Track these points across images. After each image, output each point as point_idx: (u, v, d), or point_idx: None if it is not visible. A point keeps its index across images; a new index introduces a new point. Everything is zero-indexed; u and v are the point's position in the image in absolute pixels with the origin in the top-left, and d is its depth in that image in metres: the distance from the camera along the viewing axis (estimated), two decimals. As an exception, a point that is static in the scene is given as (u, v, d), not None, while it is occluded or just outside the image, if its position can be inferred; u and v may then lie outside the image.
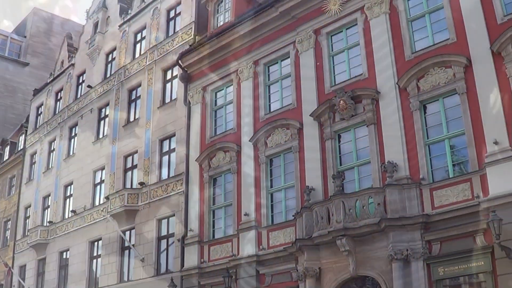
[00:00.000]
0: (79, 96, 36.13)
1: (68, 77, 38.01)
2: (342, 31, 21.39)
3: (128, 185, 28.77)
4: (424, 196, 17.13)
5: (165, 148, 27.47)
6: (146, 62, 30.24)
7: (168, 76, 28.83)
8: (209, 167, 24.21)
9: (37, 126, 40.49)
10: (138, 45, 31.96)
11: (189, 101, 26.26)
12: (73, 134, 35.67)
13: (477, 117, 16.59)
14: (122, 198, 27.35)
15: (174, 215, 25.35)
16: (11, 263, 37.22)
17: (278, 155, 21.98)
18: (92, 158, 32.26)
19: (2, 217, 41.83)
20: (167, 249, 25.64)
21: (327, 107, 20.22)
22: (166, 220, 25.97)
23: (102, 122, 33.10)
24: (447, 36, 18.12)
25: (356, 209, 17.62)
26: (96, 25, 36.31)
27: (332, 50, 21.50)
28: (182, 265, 23.74)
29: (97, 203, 31.03)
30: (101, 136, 32.52)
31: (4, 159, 44.83)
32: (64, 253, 32.60)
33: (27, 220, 38.08)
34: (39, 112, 41.24)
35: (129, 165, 29.43)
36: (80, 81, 36.72)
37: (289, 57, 22.82)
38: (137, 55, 31.60)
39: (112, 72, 33.07)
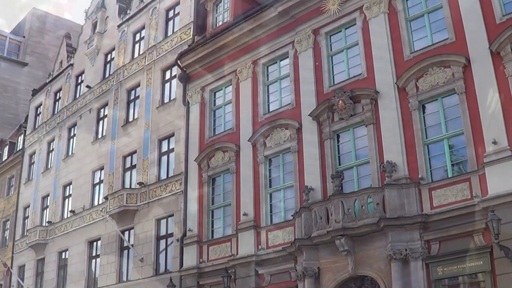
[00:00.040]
0: (78, 96, 36.10)
1: (67, 77, 37.99)
2: (341, 31, 21.40)
3: (127, 185, 28.76)
4: (423, 195, 17.14)
5: (164, 148, 27.46)
6: (145, 62, 30.22)
7: (167, 76, 28.81)
8: (208, 167, 24.21)
9: (36, 126, 40.46)
10: (137, 45, 31.93)
11: (188, 101, 26.25)
12: (72, 134, 35.64)
13: (476, 117, 16.60)
14: (121, 198, 27.33)
15: (173, 215, 25.35)
16: (10, 263, 37.18)
17: (277, 155, 21.98)
18: (91, 158, 32.24)
19: (1, 217, 41.79)
20: (166, 249, 25.62)
21: (326, 107, 20.22)
22: (165, 220, 25.96)
23: (101, 122, 33.08)
24: (446, 36, 18.13)
25: (355, 209, 17.63)
26: (94, 25, 36.30)
27: (331, 50, 21.51)
28: (181, 265, 23.74)
29: (96, 203, 31.02)
30: (100, 136, 32.50)
31: (3, 159, 44.75)
32: (63, 253, 32.58)
33: (26, 220, 38.05)
34: (38, 112, 41.19)
35: (128, 165, 29.43)
36: (79, 81, 36.69)
37: (288, 57, 22.82)
38: (135, 55, 31.57)
39: (111, 72, 33.05)
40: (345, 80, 20.43)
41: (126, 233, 27.55)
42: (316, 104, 20.77)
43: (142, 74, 30.12)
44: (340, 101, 19.63)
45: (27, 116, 43.00)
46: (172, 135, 26.88)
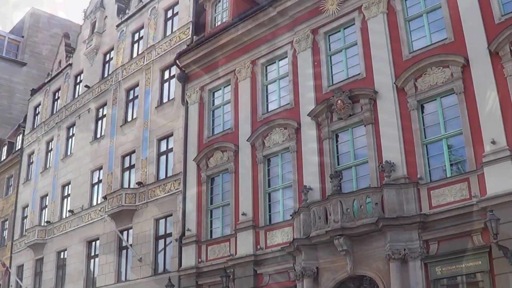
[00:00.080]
0: (76, 96, 36.08)
1: (65, 77, 37.97)
2: (339, 30, 21.39)
3: (125, 185, 28.74)
4: (421, 195, 17.13)
5: (163, 148, 27.45)
6: (143, 62, 30.22)
7: (166, 76, 28.80)
8: (207, 167, 24.20)
9: (35, 126, 40.43)
10: (135, 45, 31.92)
11: (186, 101, 26.25)
12: (70, 134, 35.61)
13: (475, 117, 16.60)
14: (119, 198, 27.31)
15: (171, 215, 25.34)
16: (9, 263, 37.15)
17: (276, 155, 21.98)
18: (90, 158, 32.23)
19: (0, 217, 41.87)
20: (164, 249, 25.60)
21: (325, 106, 20.22)
22: (164, 220, 25.94)
23: (99, 122, 33.06)
24: (444, 36, 18.13)
25: (354, 208, 17.62)
26: (93, 25, 36.27)
27: (330, 50, 21.50)
28: (180, 265, 23.74)
29: (94, 203, 31.02)
30: (98, 136, 32.49)
31: (2, 159, 44.74)
32: (62, 253, 32.55)
33: (25, 220, 37.99)
34: (37, 112, 41.17)
35: (126, 165, 29.41)
36: (78, 81, 36.66)
37: (286, 56, 22.82)
38: (134, 55, 31.56)
39: (110, 72, 33.05)
40: (344, 80, 20.43)
41: (125, 233, 27.56)
42: (314, 104, 20.76)
43: (141, 74, 30.11)
44: (339, 101, 19.63)
45: (26, 116, 42.96)
46: (171, 135, 26.88)
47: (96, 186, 31.48)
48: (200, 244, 23.35)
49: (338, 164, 19.89)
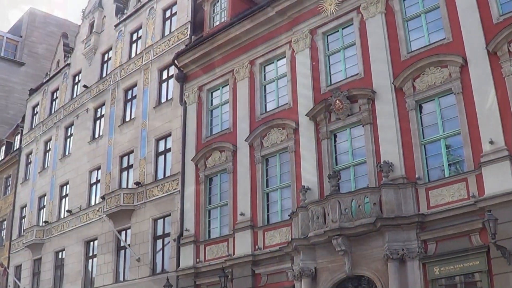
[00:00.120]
0: (75, 96, 36.05)
1: (64, 77, 37.94)
2: (338, 31, 21.39)
3: (124, 185, 28.73)
4: (419, 195, 17.14)
5: (161, 148, 27.43)
6: (142, 62, 30.20)
7: (164, 76, 28.78)
8: (205, 167, 24.20)
9: (33, 126, 40.40)
10: (134, 45, 31.92)
11: (185, 101, 26.23)
12: (69, 134, 35.58)
13: (473, 117, 16.61)
14: (117, 198, 27.30)
15: (169, 215, 25.32)
16: (7, 263, 37.14)
17: (274, 155, 21.97)
18: (88, 158, 32.21)
19: (-3, 217, 41.82)
20: (162, 249, 25.59)
21: (323, 106, 20.21)
22: (162, 220, 25.92)
23: (98, 122, 33.04)
24: (443, 36, 18.14)
25: (352, 208, 17.61)
26: (92, 25, 36.25)
27: (328, 50, 21.50)
28: (178, 265, 23.73)
29: (92, 203, 30.99)
30: (97, 136, 32.47)
31: (0, 159, 44.70)
32: (60, 253, 32.52)
33: (23, 220, 37.95)
34: (35, 112, 41.14)
35: (124, 165, 29.38)
36: (76, 80, 36.63)
37: (285, 57, 22.82)
38: (133, 54, 31.55)
39: (108, 72, 33.03)
40: (342, 80, 20.43)
41: (123, 233, 27.53)
42: (313, 104, 20.76)
43: (139, 73, 30.10)
44: (337, 101, 19.63)
45: (24, 115, 42.94)
46: (169, 134, 26.86)
47: (94, 186, 31.45)
48: (198, 244, 23.34)
49: (336, 164, 19.90)
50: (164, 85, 28.61)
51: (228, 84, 24.73)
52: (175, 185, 25.33)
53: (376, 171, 18.24)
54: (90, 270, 29.68)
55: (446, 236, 16.28)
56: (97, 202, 30.43)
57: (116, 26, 33.40)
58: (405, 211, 16.98)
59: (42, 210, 35.81)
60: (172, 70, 27.80)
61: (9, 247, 38.08)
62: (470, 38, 17.23)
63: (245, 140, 22.72)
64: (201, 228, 23.54)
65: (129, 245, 26.64)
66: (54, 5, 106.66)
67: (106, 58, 34.12)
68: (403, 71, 18.43)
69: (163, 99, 28.22)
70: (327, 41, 21.66)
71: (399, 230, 16.82)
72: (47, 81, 40.20)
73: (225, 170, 23.38)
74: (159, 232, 25.96)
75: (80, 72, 36.21)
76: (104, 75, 33.53)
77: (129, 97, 30.88)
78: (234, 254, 21.68)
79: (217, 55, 25.29)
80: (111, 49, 33.58)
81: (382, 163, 17.82)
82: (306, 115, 20.77)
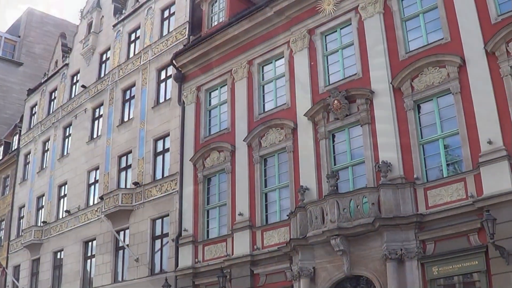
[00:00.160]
0: (73, 96, 36.03)
1: (62, 77, 37.92)
2: (336, 31, 21.39)
3: (122, 185, 28.71)
4: (418, 195, 17.15)
5: (159, 148, 27.42)
6: (140, 62, 30.19)
7: (162, 76, 28.77)
8: (203, 167, 24.19)
9: (31, 126, 40.37)
10: (132, 45, 31.89)
11: (183, 101, 26.22)
12: (67, 134, 35.57)
13: (471, 117, 16.61)
14: (116, 198, 27.29)
15: (168, 215, 25.31)
16: (5, 263, 37.11)
17: (272, 155, 21.97)
18: (86, 158, 32.19)
19: (-4, 217, 41.78)
20: (161, 249, 25.58)
21: (321, 107, 20.21)
22: (160, 220, 25.91)
23: (96, 122, 33.01)
24: (441, 36, 18.14)
25: (350, 208, 17.62)
26: (90, 25, 36.23)
27: (326, 50, 21.50)
28: (176, 265, 23.71)
29: (91, 203, 30.96)
30: (95, 136, 32.45)
31: (-2, 159, 44.74)
32: (58, 253, 32.50)
33: (21, 220, 37.94)
34: (33, 112, 41.11)
35: (123, 165, 29.37)
36: (74, 81, 36.61)
37: (283, 57, 22.81)
38: (131, 55, 31.53)
39: (106, 72, 33.00)
40: (340, 80, 20.43)
41: (121, 233, 27.51)
42: (311, 104, 20.76)
43: (138, 74, 30.08)
44: (336, 101, 19.63)
45: (22, 116, 42.93)
46: (167, 135, 26.85)
47: (92, 186, 31.43)
48: (197, 244, 23.33)
49: (335, 164, 19.90)
50: (162, 85, 28.60)
51: (226, 84, 24.72)
52: (174, 185, 25.32)
53: (375, 171, 18.24)
54: (89, 270, 29.66)
55: (444, 236, 16.29)
56: (95, 202, 30.41)
57: (114, 26, 33.39)
58: (404, 211, 16.98)
59: (40, 210, 35.80)
60: (170, 70, 27.79)
61: (7, 248, 38.07)
62: (468, 38, 17.24)
63: (243, 140, 22.71)
64: (199, 228, 23.53)
65: (127, 245, 26.62)
66: (51, 5, 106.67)
67: (104, 58, 34.10)
68: (401, 71, 18.44)
69: (161, 99, 28.21)
70: (325, 41, 21.65)
71: (398, 230, 16.83)
72: (45, 81, 40.19)
73: (224, 170, 23.37)
74: (158, 232, 25.95)
75: (78, 72, 36.18)
76: (102, 75, 33.51)
77: (127, 97, 30.86)
78: (232, 254, 21.68)
79: (215, 55, 25.28)
80: (109, 49, 33.56)
81: (380, 163, 17.83)
82: (304, 115, 20.77)
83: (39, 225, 34.63)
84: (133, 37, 32.00)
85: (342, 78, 20.46)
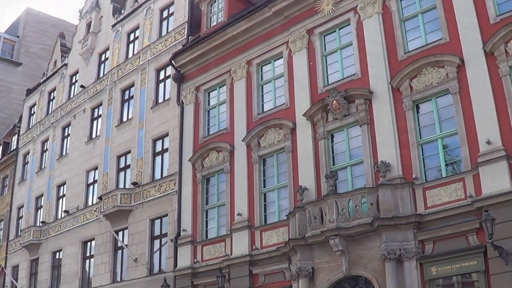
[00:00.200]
0: (72, 96, 36.03)
1: (61, 77, 37.91)
2: (335, 31, 21.39)
3: (121, 185, 28.71)
4: (417, 195, 17.14)
5: (158, 148, 27.41)
6: (139, 62, 30.18)
7: (161, 76, 28.77)
8: (202, 167, 24.18)
9: (30, 126, 40.37)
10: (131, 45, 31.89)
11: (182, 101, 26.22)
12: (66, 134, 35.57)
13: (470, 117, 16.62)
14: (115, 198, 27.29)
15: (167, 215, 25.30)
16: (4, 264, 37.11)
17: (271, 155, 21.97)
18: (85, 158, 32.18)
19: (-5, 217, 41.75)
20: (160, 249, 25.58)
21: (320, 107, 20.21)
22: (159, 220, 25.91)
23: (95, 122, 33.02)
24: (440, 36, 18.14)
25: (349, 209, 17.62)
26: (89, 25, 36.23)
27: (325, 50, 21.50)
28: (175, 265, 23.70)
29: (90, 203, 30.96)
30: (94, 136, 32.44)
31: (-3, 159, 44.71)
32: (57, 253, 32.51)
33: (20, 220, 37.95)
34: (32, 112, 41.10)
35: (122, 165, 29.36)
36: (73, 81, 36.62)
37: (282, 57, 22.81)
38: (130, 55, 31.53)
39: (105, 72, 33.00)
40: (339, 80, 20.43)
41: (120, 233, 27.50)
42: (310, 104, 20.76)
43: (136, 74, 30.07)
44: (334, 101, 19.63)
45: (21, 116, 42.90)
46: (166, 135, 26.84)
47: (91, 186, 31.44)
48: (196, 244, 23.33)
49: (334, 164, 19.90)
50: (161, 85, 28.60)
51: (225, 84, 24.72)
52: (172, 185, 25.32)
53: (373, 171, 18.25)
54: (87, 270, 29.66)
55: (443, 236, 16.29)
56: (94, 202, 30.41)
57: (113, 26, 33.39)
58: (402, 211, 16.98)
59: (39, 211, 35.79)
60: (169, 70, 27.79)
61: (6, 248, 38.06)
62: (467, 38, 17.25)
63: (242, 140, 22.71)
64: (198, 228, 23.52)
65: (126, 245, 26.61)
66: (50, 5, 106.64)
67: (103, 58, 34.10)
68: (400, 71, 18.44)
69: (160, 99, 28.20)
70: (324, 41, 21.66)
71: (397, 230, 16.83)
72: (44, 81, 40.17)
73: (222, 170, 23.37)
74: (156, 232, 25.95)
75: (77, 72, 36.17)
76: (101, 75, 33.50)
77: (126, 97, 30.84)
78: (231, 254, 21.67)
79: (214, 55, 25.28)
80: (108, 49, 33.56)
81: (379, 163, 17.82)
82: (303, 115, 20.77)
83: (38, 225, 34.62)
84: (132, 37, 32.00)
85: (341, 78, 20.46)
